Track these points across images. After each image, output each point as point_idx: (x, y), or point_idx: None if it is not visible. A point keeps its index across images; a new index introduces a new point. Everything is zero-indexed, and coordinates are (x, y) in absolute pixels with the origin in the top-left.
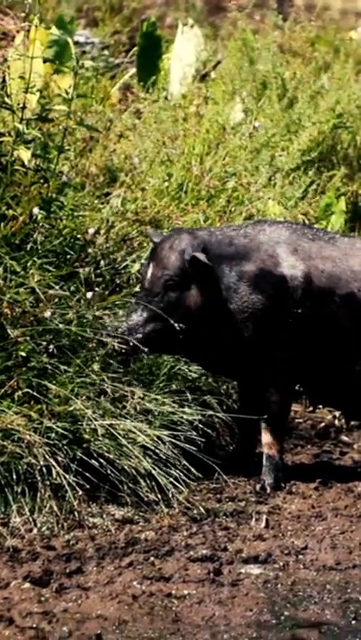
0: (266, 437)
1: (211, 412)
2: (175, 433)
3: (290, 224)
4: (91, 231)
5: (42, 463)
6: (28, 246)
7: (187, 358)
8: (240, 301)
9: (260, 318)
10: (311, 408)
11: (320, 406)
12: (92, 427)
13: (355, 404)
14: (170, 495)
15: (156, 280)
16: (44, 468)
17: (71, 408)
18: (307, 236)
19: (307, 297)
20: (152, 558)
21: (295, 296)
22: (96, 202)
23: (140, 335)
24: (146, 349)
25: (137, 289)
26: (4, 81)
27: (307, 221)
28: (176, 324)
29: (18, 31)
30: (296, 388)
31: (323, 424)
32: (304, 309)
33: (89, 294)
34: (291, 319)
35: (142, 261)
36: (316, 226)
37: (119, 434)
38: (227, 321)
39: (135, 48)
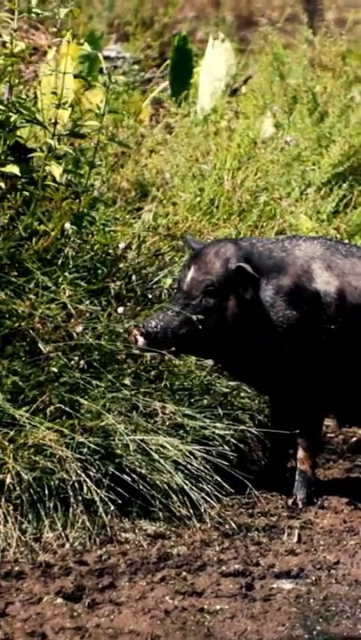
0: (299, 452)
1: (243, 427)
2: (207, 448)
3: (324, 240)
4: (122, 246)
5: (74, 478)
6: (60, 261)
7: (219, 364)
8: (275, 316)
9: (294, 334)
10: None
11: (347, 426)
12: (124, 442)
13: None
14: (202, 510)
15: (197, 284)
16: (75, 484)
17: (103, 423)
18: (340, 252)
19: (340, 313)
20: (184, 573)
21: (328, 312)
22: (127, 217)
23: (169, 334)
24: (172, 348)
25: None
26: (35, 96)
27: (338, 236)
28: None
29: (49, 46)
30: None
31: (354, 438)
32: (337, 325)
33: (120, 309)
34: (323, 335)
35: (175, 274)
36: (349, 242)
37: (151, 449)
38: (261, 333)
39: (167, 62)
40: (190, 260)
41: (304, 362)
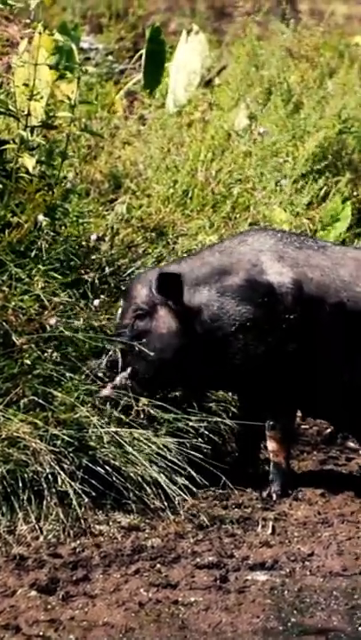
0: (271, 445)
1: (216, 419)
2: (181, 440)
3: (275, 232)
4: (93, 237)
5: (47, 471)
6: (33, 253)
7: (183, 388)
8: (226, 316)
9: (250, 328)
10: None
11: (311, 418)
12: (98, 434)
13: (345, 415)
14: (176, 502)
15: (125, 312)
16: (49, 476)
17: (77, 415)
18: (293, 244)
19: (297, 303)
20: (158, 565)
21: (285, 303)
22: (101, 208)
23: (110, 367)
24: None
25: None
26: (8, 86)
27: (312, 227)
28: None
29: (22, 38)
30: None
31: (329, 430)
32: (295, 316)
33: (96, 302)
34: (283, 325)
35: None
36: (305, 234)
37: (125, 441)
38: (215, 341)
39: (140, 53)
40: (121, 296)
41: (268, 358)
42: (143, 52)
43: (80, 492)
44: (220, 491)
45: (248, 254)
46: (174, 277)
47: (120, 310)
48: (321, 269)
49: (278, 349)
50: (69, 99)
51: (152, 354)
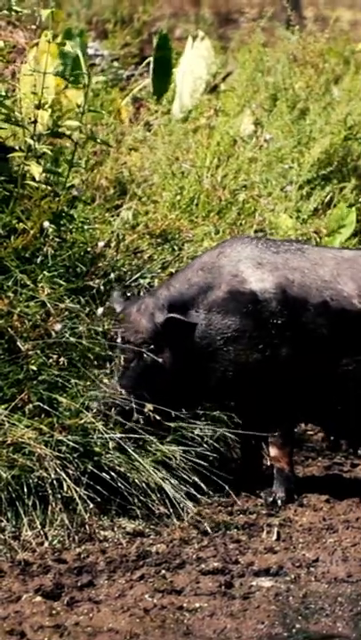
0: (273, 451)
1: (221, 427)
2: (186, 448)
3: (250, 239)
4: (101, 244)
5: (53, 476)
6: (39, 260)
7: (183, 408)
8: (214, 331)
9: (239, 339)
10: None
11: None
12: (103, 440)
13: (336, 419)
14: (181, 508)
15: (129, 343)
16: (54, 482)
17: (82, 421)
18: (270, 249)
19: (283, 307)
20: (163, 571)
21: (270, 308)
22: (106, 215)
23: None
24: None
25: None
26: (12, 93)
27: (317, 236)
28: None
29: (27, 43)
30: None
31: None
32: (283, 320)
33: (99, 310)
34: (273, 331)
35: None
36: (277, 238)
37: (130, 447)
38: (207, 359)
39: (148, 60)
40: (116, 324)
41: (260, 366)
42: (151, 59)
43: (85, 497)
44: (225, 497)
45: (227, 266)
46: (183, 324)
47: (119, 340)
48: (301, 271)
49: (271, 355)
50: (78, 106)
51: (155, 383)
